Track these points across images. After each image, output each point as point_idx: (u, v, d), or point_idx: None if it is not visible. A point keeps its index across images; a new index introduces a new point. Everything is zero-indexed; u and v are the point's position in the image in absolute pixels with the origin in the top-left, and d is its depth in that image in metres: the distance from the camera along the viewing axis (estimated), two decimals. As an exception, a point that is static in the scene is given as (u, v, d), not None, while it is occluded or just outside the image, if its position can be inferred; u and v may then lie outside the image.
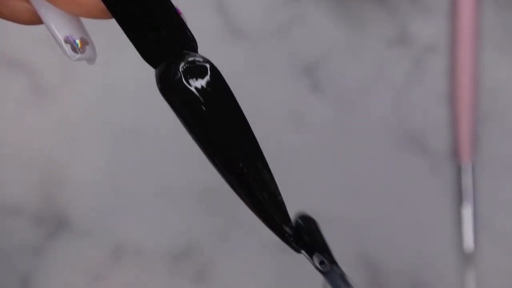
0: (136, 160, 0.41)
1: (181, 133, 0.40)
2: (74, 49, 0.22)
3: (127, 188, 0.41)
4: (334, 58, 0.42)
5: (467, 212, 0.40)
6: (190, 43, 0.22)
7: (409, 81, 0.42)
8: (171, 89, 0.21)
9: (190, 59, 0.21)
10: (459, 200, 0.41)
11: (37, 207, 0.40)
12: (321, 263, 0.22)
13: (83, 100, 0.41)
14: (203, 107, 0.21)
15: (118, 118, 0.41)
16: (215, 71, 0.21)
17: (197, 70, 0.21)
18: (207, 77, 0.21)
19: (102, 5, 0.21)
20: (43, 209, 0.40)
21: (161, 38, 0.21)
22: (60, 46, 0.22)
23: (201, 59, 0.21)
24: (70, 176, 0.41)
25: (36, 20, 0.22)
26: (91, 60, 0.22)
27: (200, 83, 0.21)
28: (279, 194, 0.22)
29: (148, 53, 0.21)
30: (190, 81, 0.21)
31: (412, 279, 0.41)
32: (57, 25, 0.22)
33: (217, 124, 0.21)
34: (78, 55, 0.22)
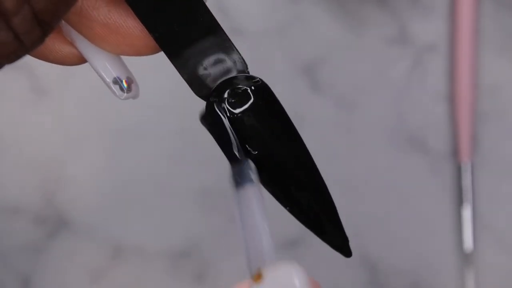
0: (136, 160, 0.41)
1: (181, 133, 0.40)
2: (122, 89, 0.22)
3: (127, 188, 0.41)
4: (334, 58, 0.42)
5: (467, 212, 0.40)
6: (240, 68, 0.21)
7: (409, 81, 0.42)
8: (210, 127, 0.21)
9: (234, 85, 0.21)
10: (459, 200, 0.41)
11: (37, 207, 0.40)
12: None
13: (83, 100, 0.41)
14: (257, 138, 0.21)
15: (118, 118, 0.41)
16: (260, 91, 0.21)
17: (239, 98, 0.21)
18: (250, 103, 0.21)
19: (152, 43, 0.21)
20: (43, 209, 0.40)
21: (213, 68, 0.21)
22: (109, 87, 0.22)
23: (244, 84, 0.21)
24: (70, 176, 0.41)
25: (82, 62, 0.22)
26: (136, 96, 0.23)
27: (245, 108, 0.21)
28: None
29: (199, 87, 0.21)
30: (235, 111, 0.21)
31: (412, 279, 0.41)
32: (104, 67, 0.22)
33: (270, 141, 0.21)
34: (126, 94, 0.22)
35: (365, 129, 0.41)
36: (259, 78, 0.21)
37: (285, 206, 0.22)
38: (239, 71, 0.21)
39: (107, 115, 0.41)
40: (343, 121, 0.41)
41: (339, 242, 0.22)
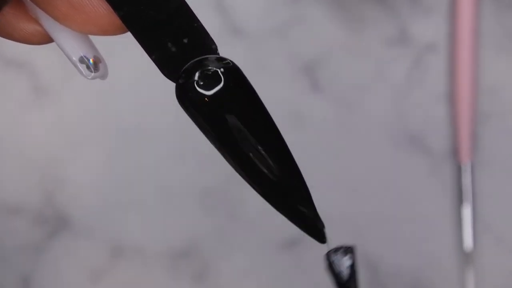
0: (136, 160, 0.41)
1: (181, 133, 0.40)
2: (89, 68, 0.22)
3: (127, 188, 0.41)
4: (334, 58, 0.42)
5: (467, 212, 0.40)
6: (211, 46, 0.21)
7: (409, 81, 0.42)
8: (190, 104, 0.21)
9: (204, 67, 0.20)
10: (459, 200, 0.41)
11: (37, 207, 0.40)
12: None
13: (83, 100, 0.41)
14: (224, 116, 0.20)
15: (118, 118, 0.41)
16: (230, 74, 0.21)
17: (210, 78, 0.20)
18: (222, 83, 0.20)
19: (118, 21, 0.20)
20: (43, 209, 0.40)
21: (182, 49, 0.21)
22: (75, 66, 0.22)
23: (214, 65, 0.21)
24: (70, 176, 0.41)
25: (47, 41, 0.22)
26: (104, 76, 0.22)
27: (215, 90, 0.20)
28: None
29: (168, 68, 0.21)
30: (205, 91, 0.20)
31: (412, 279, 0.41)
32: (71, 46, 0.22)
33: (239, 131, 0.21)
34: (93, 74, 0.22)
35: (365, 129, 0.41)
36: (230, 60, 0.21)
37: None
38: (209, 52, 0.21)
39: (107, 114, 0.41)
40: (343, 121, 0.41)
41: (310, 223, 0.22)
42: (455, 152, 0.41)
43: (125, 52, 0.36)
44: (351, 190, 0.41)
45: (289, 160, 0.22)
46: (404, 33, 0.42)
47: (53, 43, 0.22)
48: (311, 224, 0.22)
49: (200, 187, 0.41)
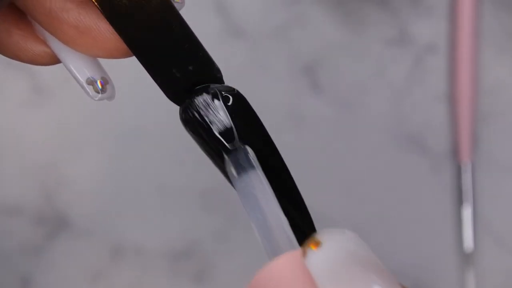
0: (136, 160, 0.41)
1: (181, 134, 0.40)
2: (96, 89, 0.22)
3: (127, 188, 0.41)
4: (334, 58, 0.42)
5: (467, 212, 0.40)
6: (216, 75, 0.21)
7: (409, 81, 0.42)
8: (192, 126, 0.21)
9: (209, 94, 0.21)
10: (459, 200, 0.41)
11: (37, 207, 0.40)
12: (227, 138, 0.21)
13: (83, 100, 0.41)
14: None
15: (118, 118, 0.41)
16: (237, 101, 0.21)
17: (214, 105, 0.21)
18: (229, 109, 0.21)
19: (124, 46, 0.21)
20: (43, 209, 0.40)
21: (187, 75, 0.21)
22: (83, 87, 0.22)
23: (221, 92, 0.21)
24: (70, 176, 0.41)
25: (55, 62, 0.22)
26: (111, 98, 0.22)
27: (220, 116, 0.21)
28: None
29: (173, 92, 0.21)
30: (208, 114, 0.21)
31: (412, 279, 0.41)
32: (78, 67, 0.22)
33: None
34: (100, 95, 0.22)
35: (365, 129, 0.41)
36: (236, 89, 0.21)
37: None
38: (215, 80, 0.21)
39: (107, 114, 0.41)
40: (343, 121, 0.41)
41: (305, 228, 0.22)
42: (455, 152, 0.41)
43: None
44: (351, 190, 0.41)
45: (301, 202, 0.22)
46: (404, 33, 0.42)
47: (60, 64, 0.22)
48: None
49: (200, 187, 0.41)
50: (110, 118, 0.41)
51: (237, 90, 0.21)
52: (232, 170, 0.21)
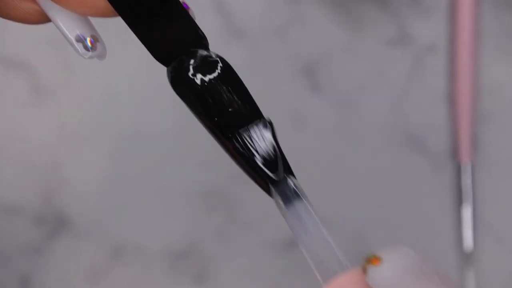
0: (136, 160, 0.41)
1: (181, 134, 0.40)
2: (86, 47, 0.22)
3: (127, 188, 0.41)
4: (334, 58, 0.42)
5: (467, 212, 0.40)
6: (201, 41, 0.22)
7: (409, 81, 0.42)
8: (182, 84, 0.21)
9: (202, 55, 0.21)
10: (459, 200, 0.41)
11: (37, 207, 0.40)
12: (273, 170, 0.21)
13: (83, 100, 0.41)
14: (214, 100, 0.21)
15: (118, 118, 0.41)
16: (226, 66, 0.21)
17: (208, 65, 0.21)
18: (218, 72, 0.21)
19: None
20: (43, 209, 0.40)
21: (172, 37, 0.21)
22: (72, 45, 0.22)
23: (212, 55, 0.21)
24: (70, 176, 0.41)
25: (44, 20, 0.22)
26: (102, 56, 0.22)
27: (211, 77, 0.21)
28: None
29: (159, 52, 0.21)
30: (201, 76, 0.21)
31: (412, 279, 0.41)
32: (67, 24, 0.21)
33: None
34: (90, 53, 0.22)
35: (365, 129, 0.41)
36: (219, 55, 0.22)
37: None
38: (201, 46, 0.22)
39: (107, 114, 0.41)
40: (343, 121, 0.41)
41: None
42: (455, 152, 0.41)
43: (126, 52, 0.36)
44: (351, 190, 0.41)
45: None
46: (404, 33, 0.42)
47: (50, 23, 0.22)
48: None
49: (200, 187, 0.41)
50: (110, 118, 0.41)
51: (223, 59, 0.22)
52: (280, 202, 0.21)
